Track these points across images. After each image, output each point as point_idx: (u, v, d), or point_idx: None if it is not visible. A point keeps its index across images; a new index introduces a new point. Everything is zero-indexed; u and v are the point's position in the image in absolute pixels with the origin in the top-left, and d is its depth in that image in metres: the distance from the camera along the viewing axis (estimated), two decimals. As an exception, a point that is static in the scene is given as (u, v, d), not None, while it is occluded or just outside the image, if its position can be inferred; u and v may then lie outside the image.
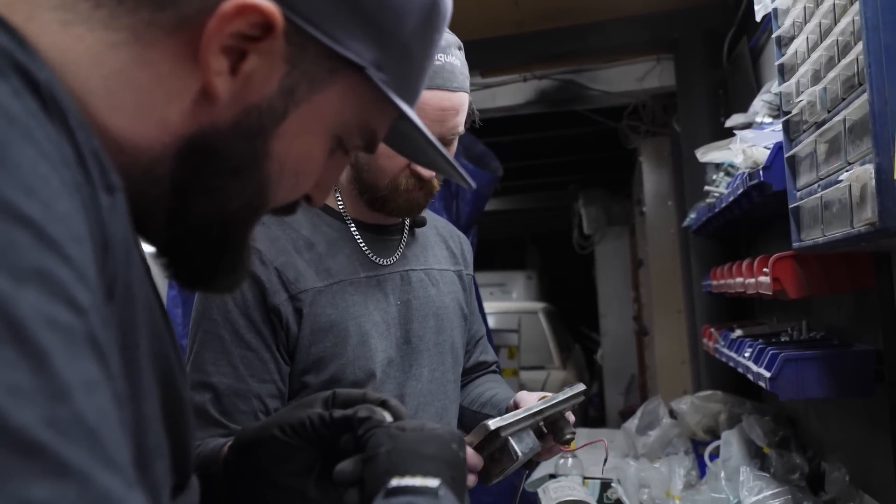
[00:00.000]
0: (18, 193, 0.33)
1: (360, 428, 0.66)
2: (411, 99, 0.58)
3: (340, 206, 1.19)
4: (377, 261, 1.18)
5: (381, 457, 0.62)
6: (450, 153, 1.15)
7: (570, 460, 2.04)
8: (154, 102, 0.47)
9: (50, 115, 0.39)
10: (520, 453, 0.98)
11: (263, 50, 0.47)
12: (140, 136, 0.48)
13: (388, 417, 0.68)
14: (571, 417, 1.13)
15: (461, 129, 1.14)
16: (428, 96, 1.07)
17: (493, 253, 9.07)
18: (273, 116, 0.51)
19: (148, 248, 0.55)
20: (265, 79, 0.49)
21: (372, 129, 0.58)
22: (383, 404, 0.71)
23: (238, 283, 0.58)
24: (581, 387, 1.11)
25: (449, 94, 1.09)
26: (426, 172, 1.12)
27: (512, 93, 3.74)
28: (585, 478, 2.10)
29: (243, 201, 0.53)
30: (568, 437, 1.08)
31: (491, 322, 4.50)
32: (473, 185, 0.70)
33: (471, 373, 1.41)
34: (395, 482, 0.58)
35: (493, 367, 1.47)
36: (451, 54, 1.10)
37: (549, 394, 1.12)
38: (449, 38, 1.11)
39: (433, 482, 0.57)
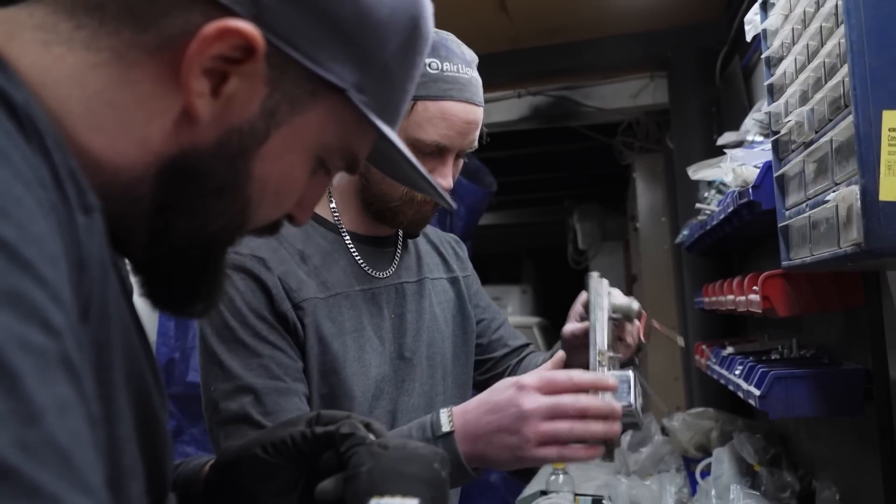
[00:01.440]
0: None
1: (343, 445, 0.66)
2: (393, 120, 0.58)
3: (336, 218, 1.18)
4: (372, 273, 1.17)
5: (362, 476, 0.62)
6: (458, 167, 1.16)
7: (561, 477, 2.03)
8: (134, 122, 0.48)
9: (27, 137, 0.39)
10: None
11: (245, 72, 0.48)
12: (120, 155, 0.48)
13: (371, 437, 0.68)
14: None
15: (476, 144, 1.16)
16: (457, 108, 1.09)
17: (488, 267, 9.03)
18: (254, 138, 0.51)
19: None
20: (246, 101, 0.49)
21: (353, 152, 0.58)
22: (367, 427, 0.71)
23: (212, 306, 0.58)
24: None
25: (475, 108, 1.11)
26: (444, 183, 1.12)
27: (506, 109, 3.75)
28: (577, 494, 2.09)
29: (225, 221, 0.53)
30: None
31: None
32: (454, 205, 0.71)
33: (512, 356, 1.37)
34: (374, 502, 0.58)
35: (531, 349, 1.42)
36: (475, 70, 1.13)
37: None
38: (472, 54, 1.14)
39: (412, 502, 0.57)
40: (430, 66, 1.07)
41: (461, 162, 1.17)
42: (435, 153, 1.10)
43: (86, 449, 0.33)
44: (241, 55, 0.47)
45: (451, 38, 1.12)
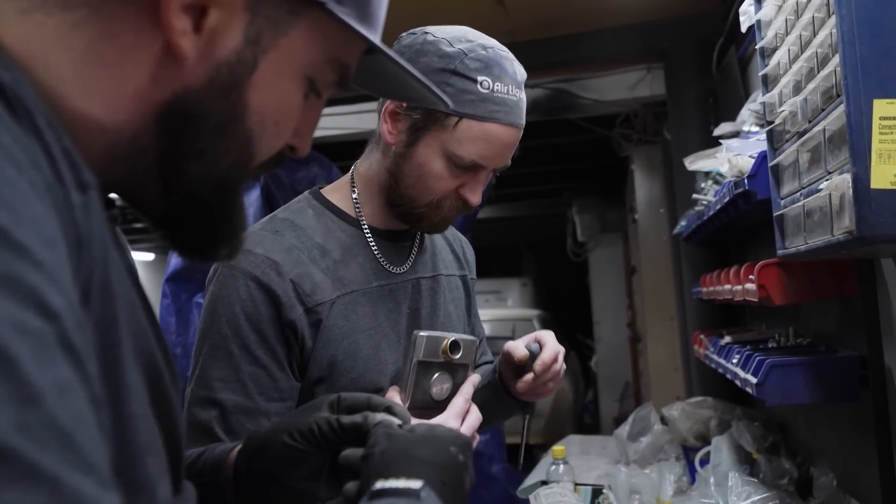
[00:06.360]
0: None
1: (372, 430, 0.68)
2: (375, 30, 0.58)
3: (357, 210, 1.17)
4: (390, 269, 1.17)
5: (374, 456, 0.63)
6: (486, 181, 1.16)
7: (561, 467, 2.05)
8: (125, 76, 0.48)
9: (17, 117, 0.39)
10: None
11: (223, 2, 0.48)
12: (118, 111, 0.48)
13: (397, 422, 0.70)
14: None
15: (509, 164, 1.16)
16: (500, 131, 1.08)
17: (488, 260, 9.08)
18: (244, 68, 0.51)
19: (138, 257, 0.56)
20: (229, 31, 0.49)
21: (343, 63, 0.58)
22: (388, 410, 0.73)
23: (238, 248, 0.59)
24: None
25: (516, 131, 1.11)
26: (474, 199, 1.12)
27: (505, 101, 3.76)
28: (577, 484, 2.11)
29: (231, 159, 0.54)
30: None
31: (486, 329, 4.51)
32: (451, 104, 0.72)
33: None
34: (380, 485, 0.59)
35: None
36: (523, 89, 1.12)
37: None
38: (523, 73, 1.12)
39: (416, 484, 0.58)
40: (481, 84, 1.05)
41: (491, 176, 1.17)
42: (469, 169, 1.10)
43: (88, 429, 0.33)
44: None
45: (506, 57, 1.10)
